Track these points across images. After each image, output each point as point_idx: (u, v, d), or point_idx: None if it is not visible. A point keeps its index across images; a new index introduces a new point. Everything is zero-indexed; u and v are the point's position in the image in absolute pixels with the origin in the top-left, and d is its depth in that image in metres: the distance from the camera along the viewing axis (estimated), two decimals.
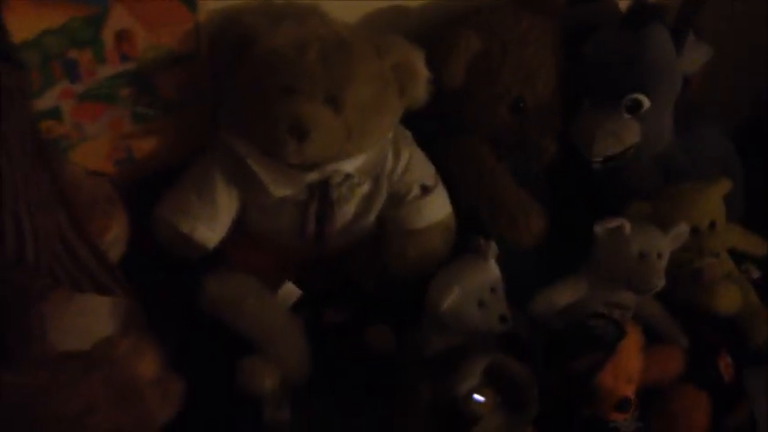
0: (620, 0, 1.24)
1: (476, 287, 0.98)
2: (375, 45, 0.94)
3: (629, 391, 0.96)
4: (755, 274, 1.18)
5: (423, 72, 0.96)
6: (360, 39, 0.94)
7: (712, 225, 1.10)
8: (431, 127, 1.09)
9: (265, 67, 0.91)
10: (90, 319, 0.88)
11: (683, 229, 1.05)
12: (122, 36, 0.87)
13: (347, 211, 1.02)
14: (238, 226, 1.03)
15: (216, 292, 0.98)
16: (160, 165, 1.02)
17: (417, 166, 1.03)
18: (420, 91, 0.97)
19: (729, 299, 1.09)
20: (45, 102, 0.88)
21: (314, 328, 1.00)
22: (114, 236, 0.91)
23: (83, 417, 0.65)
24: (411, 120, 1.04)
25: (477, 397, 0.89)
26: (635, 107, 1.08)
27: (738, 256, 1.17)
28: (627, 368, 0.96)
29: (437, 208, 1.04)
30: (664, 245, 1.04)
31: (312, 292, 1.05)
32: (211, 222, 0.99)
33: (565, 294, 1.05)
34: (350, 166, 0.98)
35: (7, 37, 0.67)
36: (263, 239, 1.05)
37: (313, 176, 0.97)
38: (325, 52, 0.91)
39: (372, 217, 1.03)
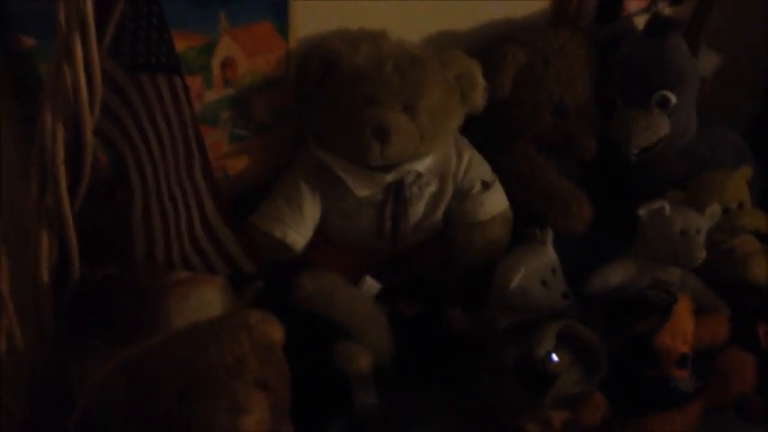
0: (637, 18, 1.40)
1: (538, 268, 1.11)
2: (440, 59, 1.09)
3: (685, 349, 1.06)
4: None
5: (481, 81, 1.11)
6: (427, 54, 1.08)
7: (740, 206, 1.23)
8: (482, 133, 1.22)
9: (349, 83, 1.05)
10: (206, 310, 1.00)
11: (716, 208, 1.19)
12: (227, 63, 1.01)
13: (418, 209, 1.15)
14: (319, 231, 1.16)
15: (309, 288, 1.10)
16: (250, 181, 1.15)
17: (477, 165, 1.17)
18: (479, 98, 1.11)
19: (763, 269, 1.21)
20: None
21: (390, 321, 1.12)
22: None
23: (238, 365, 0.77)
24: (464, 128, 1.17)
25: (554, 357, 1.00)
26: (664, 103, 1.22)
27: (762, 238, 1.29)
28: (682, 329, 1.07)
29: (497, 201, 1.17)
30: (701, 222, 1.16)
31: (386, 287, 1.17)
32: (300, 227, 1.12)
33: (616, 274, 1.17)
34: (421, 166, 1.11)
35: (174, 51, 0.80)
36: (341, 241, 1.17)
37: (390, 177, 1.10)
38: (399, 66, 1.05)
39: (440, 214, 1.16)
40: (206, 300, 1.00)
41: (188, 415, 0.73)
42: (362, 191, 1.10)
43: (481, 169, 1.17)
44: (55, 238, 0.77)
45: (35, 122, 0.75)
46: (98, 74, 0.71)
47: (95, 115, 0.76)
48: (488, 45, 1.23)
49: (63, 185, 0.73)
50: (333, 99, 1.07)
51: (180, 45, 0.93)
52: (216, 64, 1.00)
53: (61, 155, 0.71)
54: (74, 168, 0.76)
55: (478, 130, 1.20)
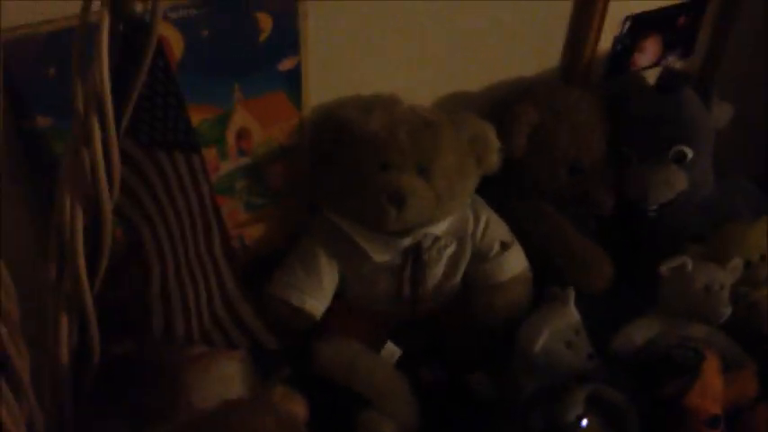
0: (647, 71, 1.40)
1: (562, 329, 1.09)
2: (453, 122, 1.08)
3: (716, 408, 1.04)
4: None
5: (495, 142, 1.10)
6: (440, 117, 1.08)
7: (762, 258, 1.21)
8: (497, 192, 1.21)
9: (363, 149, 1.05)
10: (226, 384, 0.98)
11: (738, 262, 1.17)
12: (242, 134, 1.01)
13: (437, 272, 1.13)
14: (337, 297, 1.14)
15: (328, 356, 1.08)
16: (267, 249, 1.14)
17: (495, 226, 1.16)
18: (493, 159, 1.11)
19: None
20: None
21: (413, 388, 1.10)
22: None
23: None
24: (479, 187, 1.16)
25: (583, 422, 0.98)
26: (680, 158, 1.21)
27: None
28: (712, 388, 1.04)
29: (516, 261, 1.16)
30: (724, 276, 1.15)
31: (407, 351, 1.15)
32: (318, 294, 1.11)
33: (641, 332, 1.14)
34: (438, 229, 1.10)
35: (192, 128, 0.80)
36: (360, 306, 1.15)
37: (407, 242, 1.09)
38: (412, 131, 1.05)
39: (459, 277, 1.15)
40: (226, 374, 0.98)
41: None
42: (380, 256, 1.09)
43: (499, 230, 1.16)
44: (74, 321, 0.76)
45: (51, 202, 0.74)
46: (116, 155, 0.70)
47: (114, 196, 0.75)
48: (501, 103, 1.23)
49: (83, 269, 0.72)
50: (347, 166, 1.06)
51: (194, 118, 0.93)
52: (231, 135, 1.00)
53: (80, 239, 0.70)
54: (92, 250, 0.75)
55: (493, 190, 1.19)
